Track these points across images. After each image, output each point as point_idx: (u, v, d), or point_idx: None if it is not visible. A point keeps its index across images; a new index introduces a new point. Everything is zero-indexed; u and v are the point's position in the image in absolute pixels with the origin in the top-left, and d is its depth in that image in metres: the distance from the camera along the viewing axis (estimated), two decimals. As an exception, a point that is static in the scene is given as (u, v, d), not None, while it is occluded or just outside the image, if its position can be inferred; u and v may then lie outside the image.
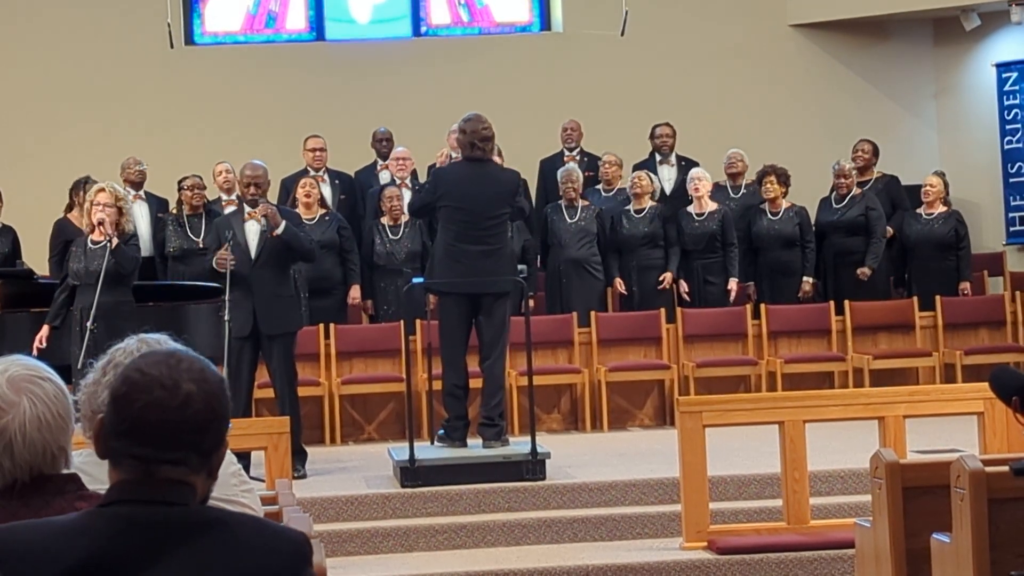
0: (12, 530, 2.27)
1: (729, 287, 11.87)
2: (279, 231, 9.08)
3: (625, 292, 11.92)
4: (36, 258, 11.50)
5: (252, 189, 9.28)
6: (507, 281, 8.90)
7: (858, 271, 12.02)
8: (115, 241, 8.73)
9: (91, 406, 3.15)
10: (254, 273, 9.10)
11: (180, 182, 11.74)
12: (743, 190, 12.59)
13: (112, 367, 3.15)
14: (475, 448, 8.93)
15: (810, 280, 12.07)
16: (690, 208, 12.01)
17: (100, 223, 8.74)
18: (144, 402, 2.28)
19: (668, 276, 11.86)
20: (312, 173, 12.31)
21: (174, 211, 11.85)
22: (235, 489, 3.63)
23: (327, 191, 12.38)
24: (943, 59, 14.71)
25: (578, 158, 12.98)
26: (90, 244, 8.91)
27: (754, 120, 14.21)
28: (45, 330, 9.02)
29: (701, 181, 12.01)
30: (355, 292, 11.68)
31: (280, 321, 9.13)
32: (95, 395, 3.17)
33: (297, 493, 6.32)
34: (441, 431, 9.13)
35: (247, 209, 9.30)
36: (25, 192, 12.67)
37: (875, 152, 12.87)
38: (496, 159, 12.26)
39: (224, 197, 11.98)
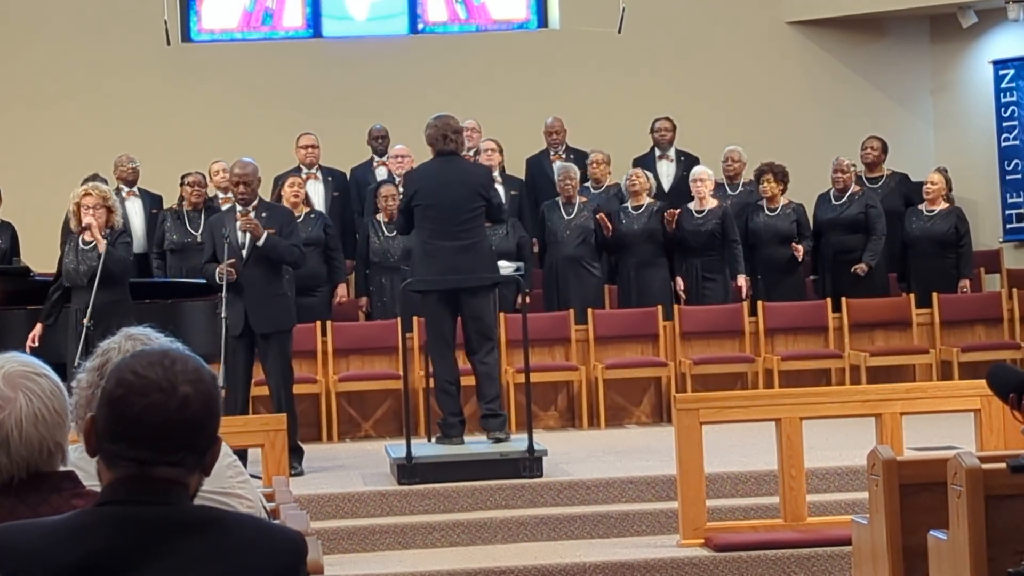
0: (9, 530, 2.27)
1: (738, 283, 11.83)
2: (260, 243, 9.09)
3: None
4: (34, 255, 11.49)
5: (241, 188, 9.26)
6: (486, 276, 8.92)
7: (855, 267, 12.02)
8: (103, 245, 8.73)
9: (89, 407, 3.13)
10: (245, 272, 9.10)
11: (183, 177, 11.75)
12: (740, 188, 12.59)
13: (111, 366, 3.13)
14: (472, 445, 8.94)
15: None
16: (691, 205, 12.00)
17: (87, 227, 8.75)
18: (142, 405, 2.27)
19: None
20: (305, 171, 12.32)
21: (174, 206, 11.88)
22: (231, 481, 3.62)
23: (320, 188, 12.39)
24: (940, 56, 14.71)
25: (564, 156, 12.96)
26: (81, 244, 8.90)
27: (751, 117, 14.20)
28: (38, 329, 9.02)
29: (704, 180, 12.00)
30: (341, 291, 11.71)
31: (271, 320, 9.14)
32: (93, 396, 3.16)
33: (294, 490, 6.32)
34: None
35: (239, 208, 9.29)
36: (23, 189, 12.66)
37: (884, 148, 12.87)
38: (497, 156, 12.34)
39: (220, 195, 11.99)
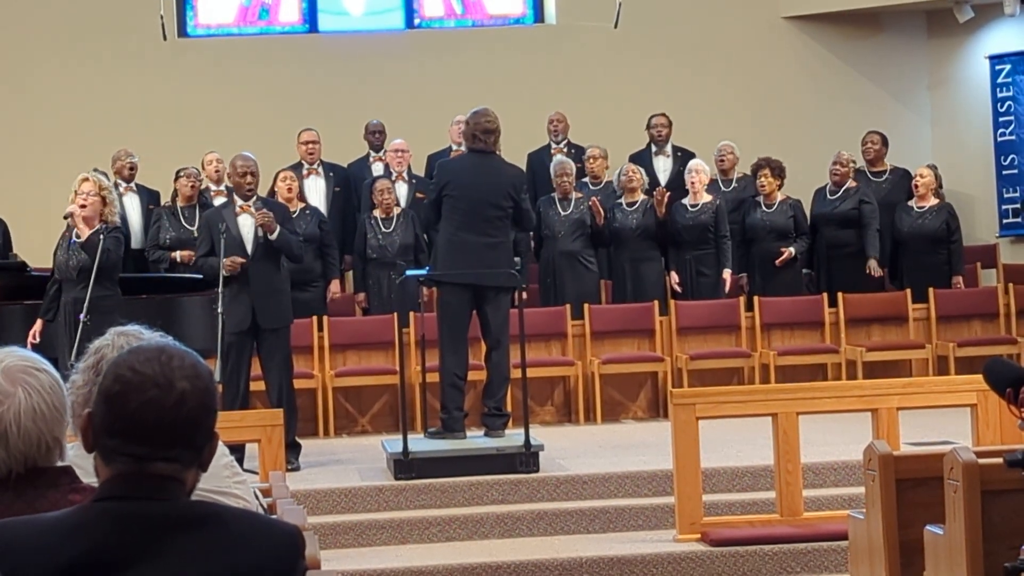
0: (8, 526, 2.27)
1: (723, 277, 11.85)
2: (273, 237, 9.08)
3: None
4: (27, 251, 11.48)
5: (249, 179, 9.26)
6: (511, 275, 8.92)
7: (869, 268, 11.98)
8: (85, 233, 8.68)
9: (86, 406, 3.13)
10: (252, 267, 9.09)
11: (178, 172, 11.73)
12: (734, 183, 12.60)
13: (106, 363, 3.13)
14: (469, 440, 8.94)
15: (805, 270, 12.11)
16: (684, 200, 12.00)
17: (69, 215, 8.71)
18: (139, 402, 2.28)
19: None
20: (306, 166, 12.31)
21: (167, 203, 11.86)
22: (228, 481, 3.63)
23: (321, 184, 12.38)
24: (937, 51, 14.71)
25: (565, 149, 12.96)
26: (73, 238, 8.87)
27: (747, 112, 14.21)
28: (39, 324, 8.96)
29: (699, 173, 12.00)
30: (335, 287, 11.71)
31: (277, 314, 9.16)
32: (90, 394, 3.16)
33: (291, 485, 6.31)
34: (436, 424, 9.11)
35: (239, 202, 9.27)
36: (17, 185, 12.65)
37: (884, 143, 12.85)
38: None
39: (213, 188, 11.98)
